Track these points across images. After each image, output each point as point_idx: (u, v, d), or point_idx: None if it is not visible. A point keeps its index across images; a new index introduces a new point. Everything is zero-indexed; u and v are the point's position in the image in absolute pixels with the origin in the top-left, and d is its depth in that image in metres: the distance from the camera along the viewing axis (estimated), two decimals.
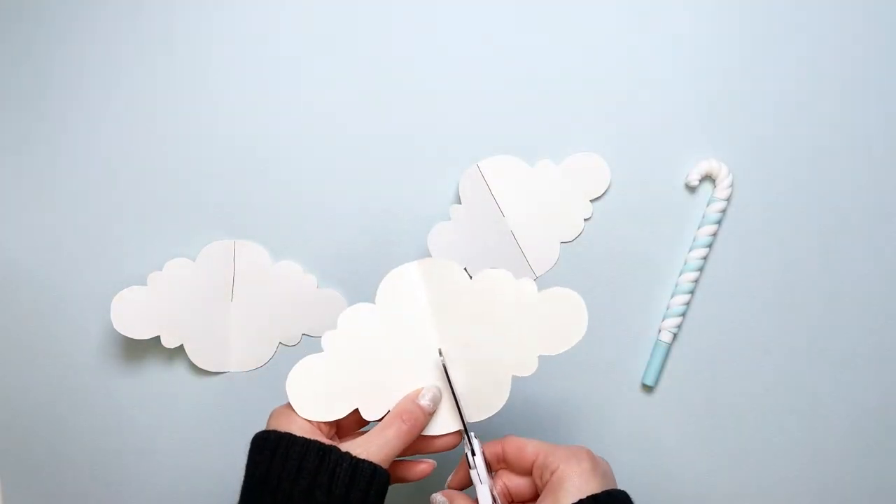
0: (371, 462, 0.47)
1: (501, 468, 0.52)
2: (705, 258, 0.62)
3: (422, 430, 0.51)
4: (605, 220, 0.63)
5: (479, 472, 0.50)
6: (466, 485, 0.52)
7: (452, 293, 0.52)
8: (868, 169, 0.62)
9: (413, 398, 0.51)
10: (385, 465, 0.48)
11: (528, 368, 0.52)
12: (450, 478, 0.53)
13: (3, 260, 0.64)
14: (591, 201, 0.63)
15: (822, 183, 0.62)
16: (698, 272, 0.62)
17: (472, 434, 0.51)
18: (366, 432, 0.50)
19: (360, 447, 0.48)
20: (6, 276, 0.64)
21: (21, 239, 0.64)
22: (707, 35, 0.62)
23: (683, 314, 0.62)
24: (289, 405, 0.50)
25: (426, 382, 0.52)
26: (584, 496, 0.46)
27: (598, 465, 0.48)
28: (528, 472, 0.51)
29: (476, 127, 0.63)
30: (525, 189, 0.62)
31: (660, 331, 0.63)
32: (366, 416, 0.51)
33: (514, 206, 0.62)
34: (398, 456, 0.50)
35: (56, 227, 0.64)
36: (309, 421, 0.50)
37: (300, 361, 0.51)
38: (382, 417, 0.51)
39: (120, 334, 0.61)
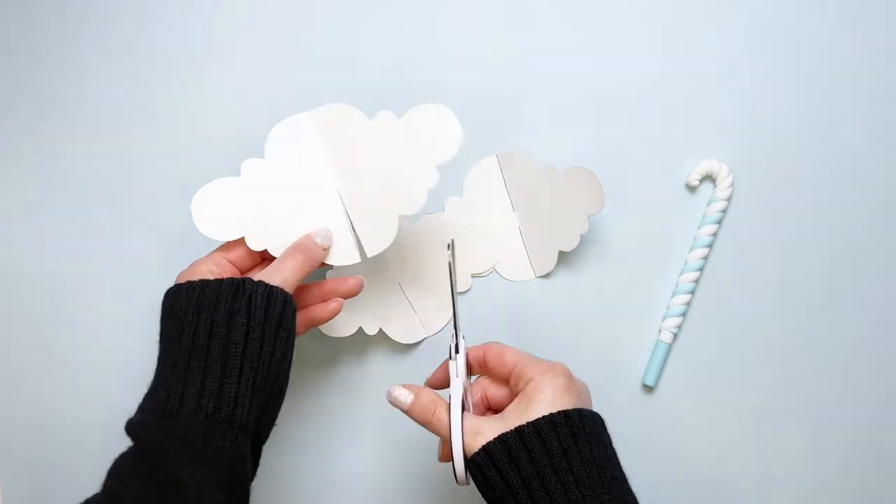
0: (282, 289, 0.49)
1: (482, 374, 0.53)
2: (705, 258, 0.62)
3: (318, 263, 0.53)
4: (606, 219, 0.63)
5: (458, 366, 0.50)
6: (443, 386, 0.53)
7: (350, 138, 0.54)
8: (868, 169, 0.62)
9: (308, 236, 0.53)
10: (288, 292, 0.50)
11: (415, 206, 0.53)
12: (429, 377, 0.54)
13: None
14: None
15: (822, 183, 0.63)
16: (698, 272, 0.62)
17: (460, 331, 0.51)
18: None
19: (256, 277, 0.50)
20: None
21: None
22: (707, 35, 0.62)
23: (683, 314, 0.62)
24: (190, 267, 0.52)
25: (327, 221, 0.54)
26: (554, 410, 0.47)
27: (574, 384, 0.49)
28: (506, 380, 0.51)
29: (472, 129, 0.62)
30: (532, 189, 0.62)
31: (660, 331, 0.63)
32: (252, 245, 0.53)
33: (523, 204, 0.62)
34: (304, 303, 0.54)
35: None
36: (211, 273, 0.51)
37: (214, 181, 0.53)
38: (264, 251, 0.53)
39: None
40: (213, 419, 0.45)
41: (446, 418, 0.49)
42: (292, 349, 0.50)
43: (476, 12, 0.63)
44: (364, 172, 0.54)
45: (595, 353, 0.63)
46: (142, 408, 0.48)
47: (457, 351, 0.51)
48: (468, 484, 0.49)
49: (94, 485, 0.65)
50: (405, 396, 0.50)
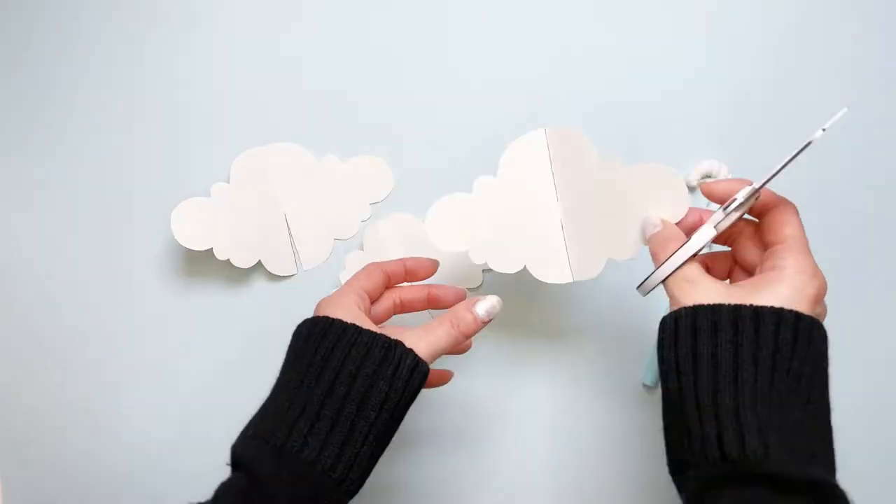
0: (426, 362, 0.49)
1: (746, 233, 0.50)
2: None
3: (470, 336, 0.52)
4: None
5: (719, 215, 0.48)
6: (721, 198, 0.49)
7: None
8: (869, 168, 0.62)
9: (469, 306, 0.51)
10: (428, 362, 0.49)
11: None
12: (709, 182, 0.51)
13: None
14: None
15: (822, 183, 0.63)
16: None
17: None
18: (401, 326, 0.52)
19: (409, 340, 0.49)
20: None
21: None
22: (708, 35, 0.62)
23: None
24: (336, 295, 0.52)
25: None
26: (794, 307, 0.44)
27: (822, 300, 0.47)
28: (764, 244, 0.48)
29: (474, 126, 0.63)
30: (585, 179, 0.61)
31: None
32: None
33: (571, 195, 0.61)
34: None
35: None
36: (357, 307, 0.51)
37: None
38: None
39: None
40: (326, 476, 0.45)
41: (678, 245, 0.48)
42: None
43: (476, 9, 0.63)
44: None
45: (595, 352, 0.63)
46: (257, 433, 0.47)
47: (746, 197, 0.48)
48: (644, 295, 0.50)
49: (94, 484, 0.65)
50: (653, 225, 0.51)
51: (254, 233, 0.61)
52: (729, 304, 0.44)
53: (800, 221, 0.48)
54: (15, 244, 0.64)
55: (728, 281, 0.51)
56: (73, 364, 0.64)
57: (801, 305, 0.44)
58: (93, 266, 0.64)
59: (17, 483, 0.65)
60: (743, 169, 0.62)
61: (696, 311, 0.45)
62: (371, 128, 0.63)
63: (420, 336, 0.49)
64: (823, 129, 0.46)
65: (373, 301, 0.54)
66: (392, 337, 0.48)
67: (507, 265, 0.55)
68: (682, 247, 0.48)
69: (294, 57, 0.63)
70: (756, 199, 0.48)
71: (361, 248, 0.64)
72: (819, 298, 0.46)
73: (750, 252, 0.50)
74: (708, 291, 0.46)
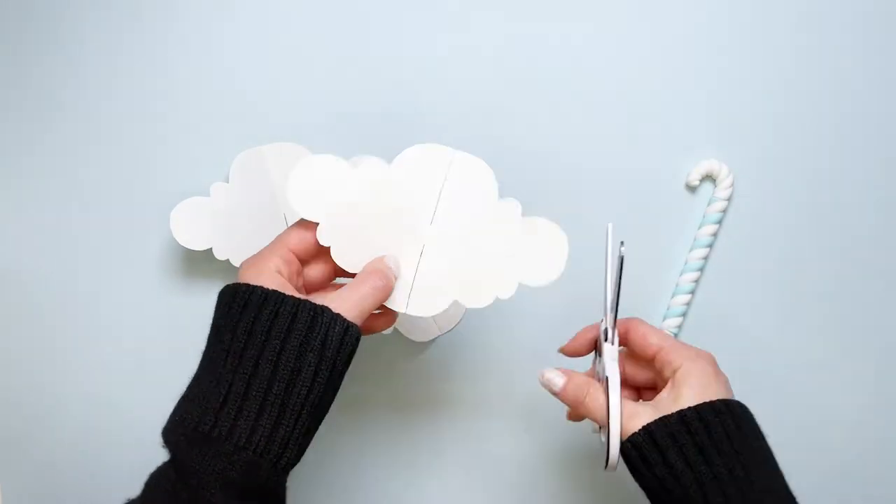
0: (356, 325, 0.46)
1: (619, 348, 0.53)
2: (706, 258, 0.62)
3: (391, 292, 0.49)
4: (606, 219, 0.63)
5: (615, 349, 0.51)
6: (580, 354, 0.54)
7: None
8: (869, 167, 0.62)
9: (383, 260, 0.49)
10: (358, 323, 0.47)
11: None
12: (565, 345, 0.54)
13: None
14: None
15: (822, 182, 0.63)
16: (699, 272, 0.62)
17: (616, 311, 0.51)
18: (334, 286, 0.50)
19: (334, 302, 0.46)
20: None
21: None
22: (708, 34, 0.62)
23: (684, 314, 0.62)
24: (257, 259, 0.48)
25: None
26: (707, 398, 0.47)
27: (721, 373, 0.50)
28: (647, 360, 0.51)
29: (462, 126, 0.62)
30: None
31: None
32: (321, 240, 0.49)
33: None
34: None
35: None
36: (279, 274, 0.47)
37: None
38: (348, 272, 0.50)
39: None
40: (260, 458, 0.44)
41: (601, 400, 0.49)
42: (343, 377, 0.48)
43: (477, 8, 0.62)
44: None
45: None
46: (183, 419, 0.45)
47: (613, 329, 0.51)
48: (615, 470, 0.49)
49: (94, 484, 0.65)
50: (558, 378, 0.51)
51: (254, 233, 0.61)
52: (672, 414, 0.47)
53: (650, 326, 0.52)
54: (14, 244, 0.64)
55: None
56: (73, 364, 0.64)
57: (715, 390, 0.48)
58: (92, 266, 0.64)
59: (17, 483, 0.65)
60: (743, 169, 0.62)
61: (649, 430, 0.47)
62: (371, 128, 0.63)
63: (345, 297, 0.47)
64: (622, 243, 0.51)
65: (305, 263, 0.50)
66: (318, 303, 0.46)
67: (346, 259, 0.50)
68: (609, 400, 0.48)
69: (294, 56, 0.62)
70: (615, 318, 0.51)
71: None
72: (719, 373, 0.50)
73: (636, 373, 0.53)
74: (647, 414, 0.48)
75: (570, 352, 0.54)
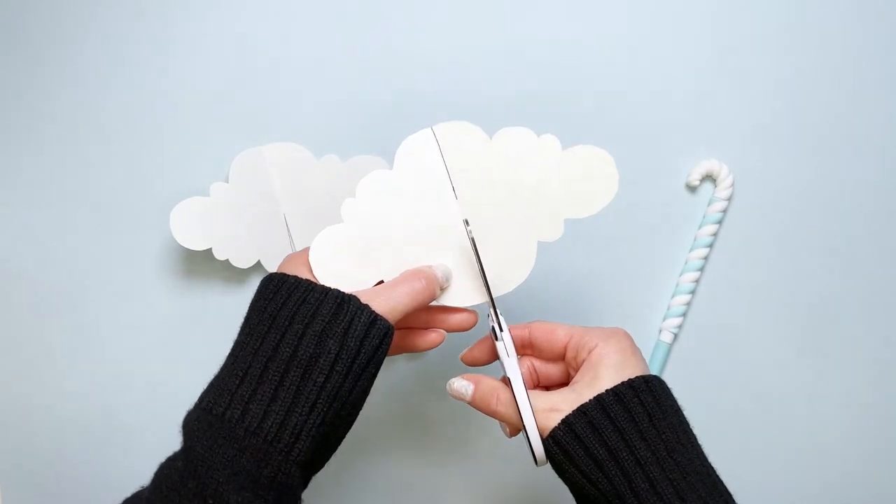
0: (386, 319, 0.45)
1: (527, 354, 0.51)
2: (706, 258, 0.62)
3: (433, 297, 0.48)
4: (606, 219, 0.63)
5: (506, 345, 0.48)
6: (482, 362, 0.51)
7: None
8: (869, 167, 0.62)
9: (430, 266, 0.49)
10: (390, 319, 0.45)
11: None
12: (464, 352, 0.51)
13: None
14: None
15: (823, 182, 0.63)
16: (699, 272, 0.62)
17: (497, 309, 0.49)
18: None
19: (366, 295, 0.45)
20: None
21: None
22: (708, 34, 0.62)
23: (684, 314, 0.62)
24: (300, 252, 0.49)
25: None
26: (626, 376, 0.45)
27: (637, 348, 0.48)
28: (558, 357, 0.49)
29: (475, 125, 0.62)
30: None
31: (660, 331, 0.63)
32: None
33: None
34: (404, 324, 0.48)
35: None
36: None
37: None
38: None
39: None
40: (270, 447, 0.42)
41: (512, 401, 0.46)
42: (373, 381, 0.46)
43: (480, 7, 0.63)
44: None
45: None
46: (201, 401, 0.44)
47: (500, 329, 0.48)
48: (547, 463, 0.46)
49: (93, 484, 0.65)
50: (465, 387, 0.48)
51: (253, 233, 0.61)
52: (589, 401, 0.45)
53: (555, 322, 0.50)
54: (13, 244, 0.64)
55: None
56: (73, 364, 0.64)
57: (633, 364, 0.46)
58: (92, 265, 0.64)
59: (17, 483, 0.65)
60: (743, 169, 0.62)
61: (568, 422, 0.45)
62: (371, 128, 0.63)
63: (379, 291, 0.46)
64: (466, 223, 0.49)
65: None
66: (347, 291, 0.45)
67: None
68: (515, 397, 0.46)
69: (294, 56, 0.62)
70: (497, 314, 0.49)
71: None
72: (635, 348, 0.48)
73: (550, 372, 0.51)
74: (567, 402, 0.45)
75: (470, 360, 0.51)
